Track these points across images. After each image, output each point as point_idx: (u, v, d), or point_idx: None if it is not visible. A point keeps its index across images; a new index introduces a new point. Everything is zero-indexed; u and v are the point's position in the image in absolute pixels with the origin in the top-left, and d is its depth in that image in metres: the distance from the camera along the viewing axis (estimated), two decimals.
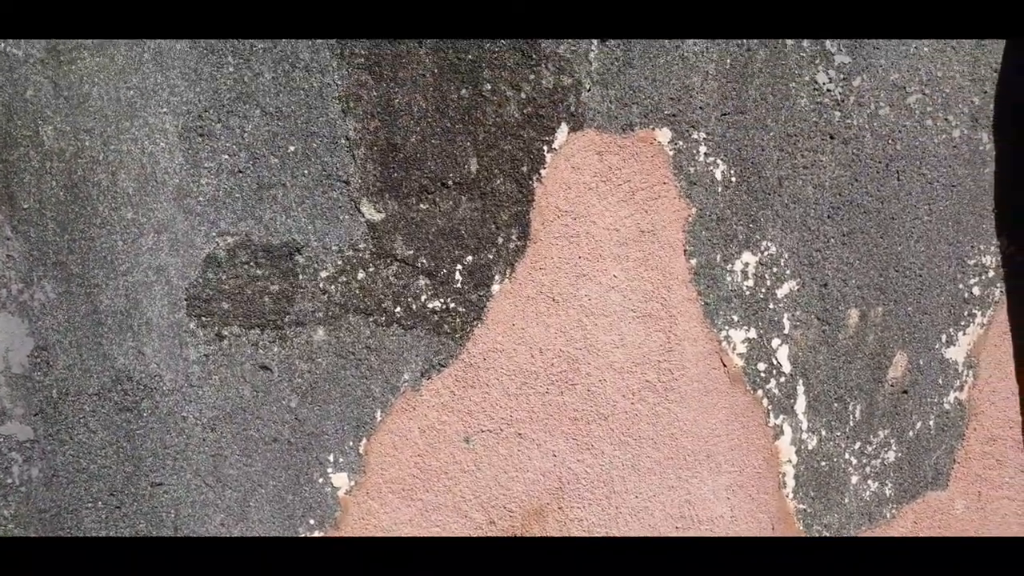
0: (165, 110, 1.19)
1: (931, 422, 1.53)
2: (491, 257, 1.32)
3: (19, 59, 1.14)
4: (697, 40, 1.37)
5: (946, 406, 1.54)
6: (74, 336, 1.18)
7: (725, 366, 1.42)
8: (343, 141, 1.26)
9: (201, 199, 1.21)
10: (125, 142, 1.18)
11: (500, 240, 1.32)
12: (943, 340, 1.52)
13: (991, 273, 1.54)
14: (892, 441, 1.51)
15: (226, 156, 1.22)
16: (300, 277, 1.25)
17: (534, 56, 1.31)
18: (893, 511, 1.53)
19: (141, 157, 1.19)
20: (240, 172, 1.22)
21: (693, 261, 1.39)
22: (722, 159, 1.39)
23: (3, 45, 1.13)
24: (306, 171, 1.25)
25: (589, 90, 1.33)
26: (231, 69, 1.21)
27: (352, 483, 1.30)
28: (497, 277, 1.32)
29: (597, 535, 1.39)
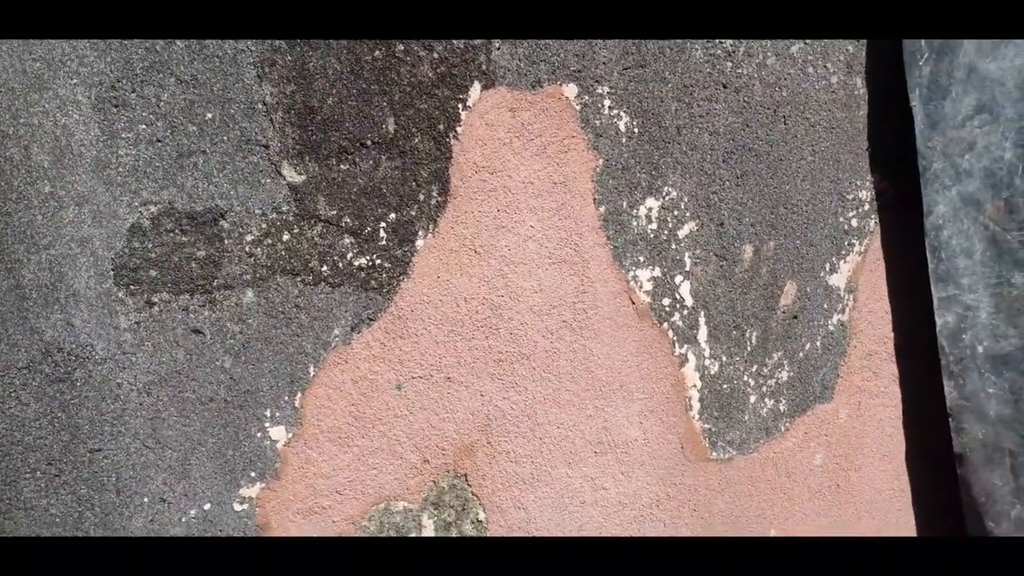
0: (75, 81, 1.18)
1: (818, 343, 1.70)
2: (413, 214, 1.38)
3: None
4: None
5: (831, 327, 1.71)
6: None
7: (634, 303, 1.54)
8: (260, 106, 1.28)
9: (121, 169, 1.22)
10: (36, 115, 1.17)
11: (421, 197, 1.38)
12: (827, 269, 1.69)
13: (866, 206, 1.70)
14: (785, 362, 1.68)
15: (143, 126, 1.22)
16: (226, 241, 1.28)
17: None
18: (787, 424, 1.70)
19: (54, 130, 1.18)
20: (159, 141, 1.23)
21: (602, 208, 1.49)
22: (625, 111, 1.48)
23: None
24: (225, 137, 1.26)
25: (499, 48, 1.39)
26: None
27: (290, 435, 1.37)
28: (420, 232, 1.39)
29: (523, 464, 1.51)
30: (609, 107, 1.46)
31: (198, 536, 1.33)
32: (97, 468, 1.28)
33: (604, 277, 1.50)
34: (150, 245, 1.25)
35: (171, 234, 1.26)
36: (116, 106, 1.21)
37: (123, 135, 1.21)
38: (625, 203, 1.50)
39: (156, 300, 1.26)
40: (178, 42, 1.23)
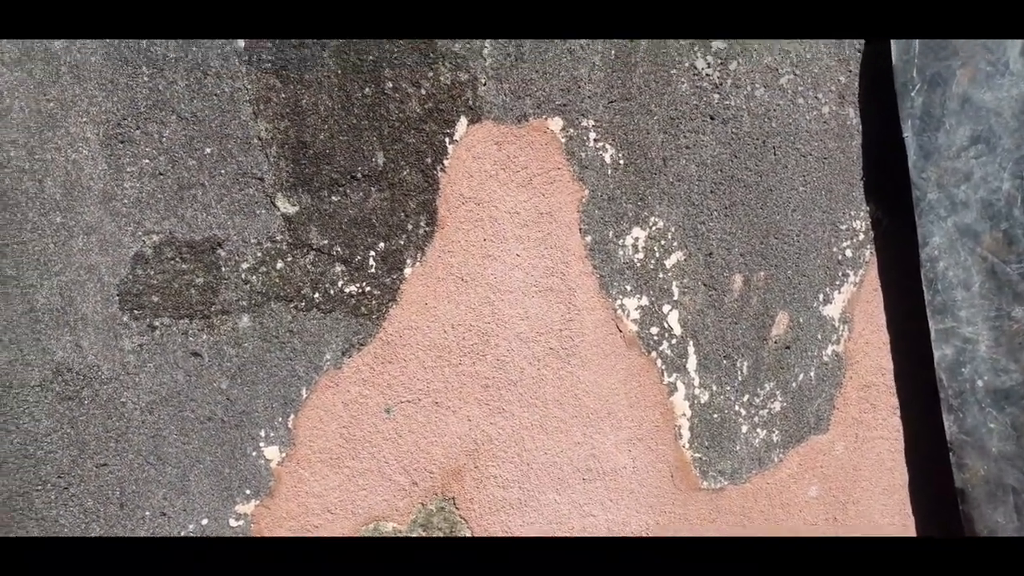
0: (85, 119, 1.28)
1: (812, 373, 1.69)
2: (402, 243, 1.44)
3: None
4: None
5: (825, 358, 1.70)
6: (13, 334, 1.28)
7: (621, 332, 1.56)
8: (256, 141, 1.36)
9: (126, 201, 1.31)
10: (49, 151, 1.27)
11: (410, 227, 1.44)
12: (820, 299, 1.68)
13: (861, 236, 1.69)
14: (777, 392, 1.67)
15: (147, 160, 1.32)
16: (223, 269, 1.36)
17: (431, 55, 1.42)
18: (780, 455, 1.69)
19: (66, 165, 1.28)
20: (161, 174, 1.32)
21: (588, 238, 1.52)
22: (610, 143, 1.52)
23: None
24: (223, 171, 1.35)
25: (485, 84, 1.45)
26: (146, 79, 1.31)
27: (283, 455, 1.42)
28: (409, 261, 1.44)
29: (511, 490, 1.53)
30: (595, 139, 1.51)
31: (197, 536, 1.38)
32: (103, 482, 1.36)
33: (591, 305, 1.53)
34: (152, 272, 1.33)
35: (172, 262, 1.34)
36: (122, 142, 1.30)
37: (128, 169, 1.31)
38: (611, 233, 1.53)
39: (158, 324, 1.34)
40: (179, 82, 1.32)
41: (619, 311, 1.55)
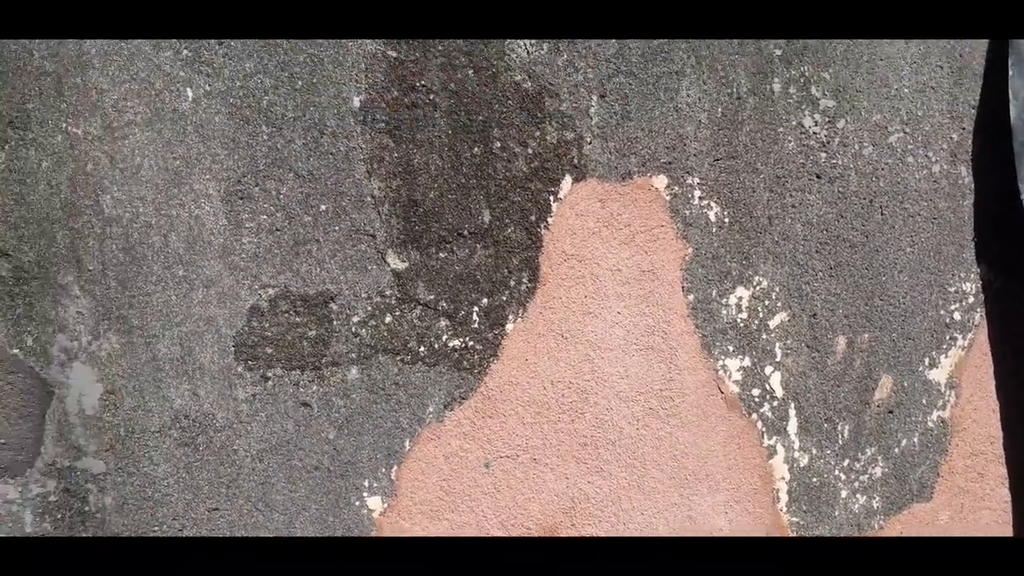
0: (208, 176, 1.33)
1: (915, 439, 1.65)
2: (505, 299, 1.45)
3: (79, 136, 1.28)
4: (690, 92, 1.48)
5: (930, 424, 1.65)
6: (136, 381, 1.33)
7: (722, 393, 1.54)
8: (369, 199, 1.39)
9: (244, 256, 1.35)
10: (174, 207, 1.32)
11: (512, 283, 1.45)
12: (926, 363, 1.63)
13: (971, 299, 1.64)
14: (879, 458, 1.63)
15: (264, 216, 1.36)
16: (334, 322, 1.39)
17: (539, 114, 1.44)
18: (881, 522, 1.65)
19: (189, 220, 1.33)
20: (278, 230, 1.36)
21: (691, 297, 1.51)
22: (715, 201, 1.51)
23: (64, 124, 1.27)
24: (337, 227, 1.38)
25: (590, 143, 1.46)
26: (265, 137, 1.35)
27: (385, 506, 1.45)
28: (511, 317, 1.46)
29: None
30: (699, 197, 1.50)
31: (200, 536, 1.37)
32: (214, 526, 1.40)
33: (692, 365, 1.52)
34: (267, 325, 1.37)
35: (286, 315, 1.38)
36: (241, 198, 1.35)
37: (247, 224, 1.35)
38: (715, 292, 1.52)
39: (270, 375, 1.38)
40: (297, 140, 1.36)
41: (721, 372, 1.54)
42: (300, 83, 1.36)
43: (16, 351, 1.29)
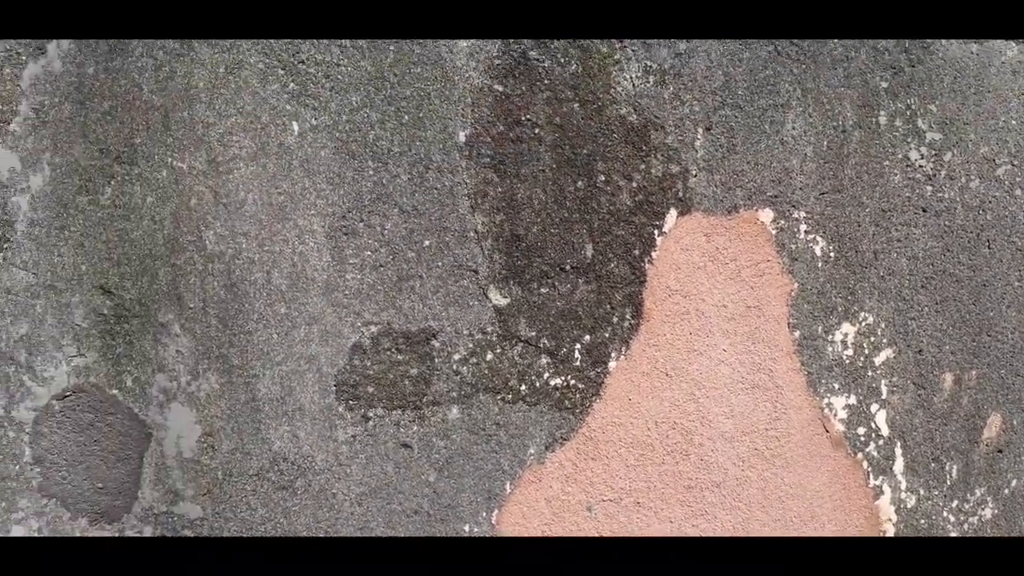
0: (313, 212, 1.30)
1: None
2: (607, 336, 1.41)
3: (184, 171, 1.25)
4: (795, 124, 1.45)
5: None
6: (235, 422, 1.29)
7: (827, 432, 1.50)
8: (472, 234, 1.36)
9: (347, 292, 1.31)
10: (278, 243, 1.29)
11: (615, 319, 1.41)
12: None
13: None
14: (988, 499, 1.58)
15: (368, 252, 1.32)
16: (436, 360, 1.35)
17: (644, 147, 1.40)
18: None
19: (292, 256, 1.30)
20: (381, 266, 1.33)
21: (797, 333, 1.47)
22: (821, 236, 1.47)
23: (170, 159, 1.24)
24: (440, 263, 1.35)
25: (696, 176, 1.42)
26: (371, 172, 1.32)
27: None
28: (613, 354, 1.41)
29: None
30: (805, 231, 1.46)
31: (205, 536, 1.33)
32: None
33: (798, 404, 1.48)
34: (369, 363, 1.33)
35: (388, 353, 1.34)
36: (346, 234, 1.31)
37: (351, 261, 1.32)
38: (820, 328, 1.48)
39: (371, 415, 1.34)
40: (402, 175, 1.33)
41: (826, 410, 1.49)
42: (407, 117, 1.33)
43: (115, 391, 1.25)
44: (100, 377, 1.24)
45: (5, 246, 1.19)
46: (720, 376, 1.45)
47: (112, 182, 1.22)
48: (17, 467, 1.21)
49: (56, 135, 1.20)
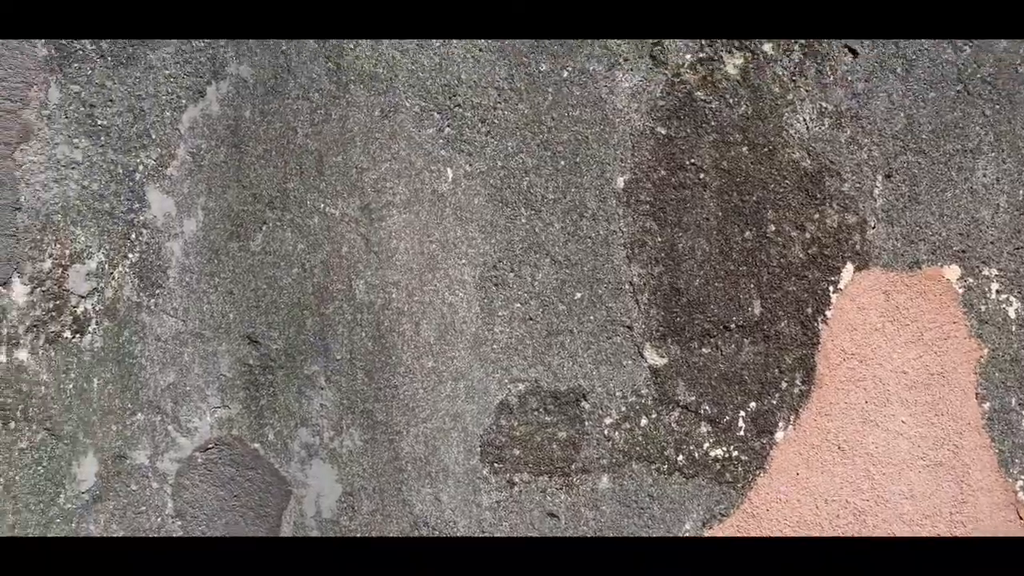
0: (464, 262, 1.23)
1: None
2: (775, 403, 1.29)
3: (336, 218, 1.20)
4: (987, 171, 1.31)
5: None
6: (377, 482, 1.22)
7: (1021, 518, 1.33)
8: (627, 287, 1.26)
9: (496, 347, 1.24)
10: (428, 293, 1.22)
11: (784, 385, 1.29)
12: None
13: None
14: None
15: (518, 304, 1.24)
16: (586, 423, 1.26)
17: (818, 195, 1.29)
18: None
19: (442, 307, 1.23)
20: (531, 319, 1.25)
21: (986, 405, 1.32)
22: (1015, 296, 1.32)
23: (322, 205, 1.19)
24: (592, 317, 1.26)
25: (874, 227, 1.29)
26: (524, 220, 1.24)
27: None
28: (781, 424, 1.29)
29: None
30: (997, 291, 1.31)
31: (211, 536, 1.24)
32: None
33: (987, 486, 1.32)
34: (515, 423, 1.25)
35: (535, 413, 1.25)
36: (496, 285, 1.24)
37: (499, 313, 1.24)
38: (1014, 400, 1.32)
39: (517, 480, 1.25)
40: (555, 224, 1.25)
41: (1020, 493, 1.32)
42: (563, 162, 1.25)
43: (257, 445, 1.20)
44: (243, 429, 1.19)
45: (157, 292, 1.16)
46: (899, 451, 1.30)
47: (264, 228, 1.19)
48: (159, 519, 1.16)
49: (211, 179, 1.17)
